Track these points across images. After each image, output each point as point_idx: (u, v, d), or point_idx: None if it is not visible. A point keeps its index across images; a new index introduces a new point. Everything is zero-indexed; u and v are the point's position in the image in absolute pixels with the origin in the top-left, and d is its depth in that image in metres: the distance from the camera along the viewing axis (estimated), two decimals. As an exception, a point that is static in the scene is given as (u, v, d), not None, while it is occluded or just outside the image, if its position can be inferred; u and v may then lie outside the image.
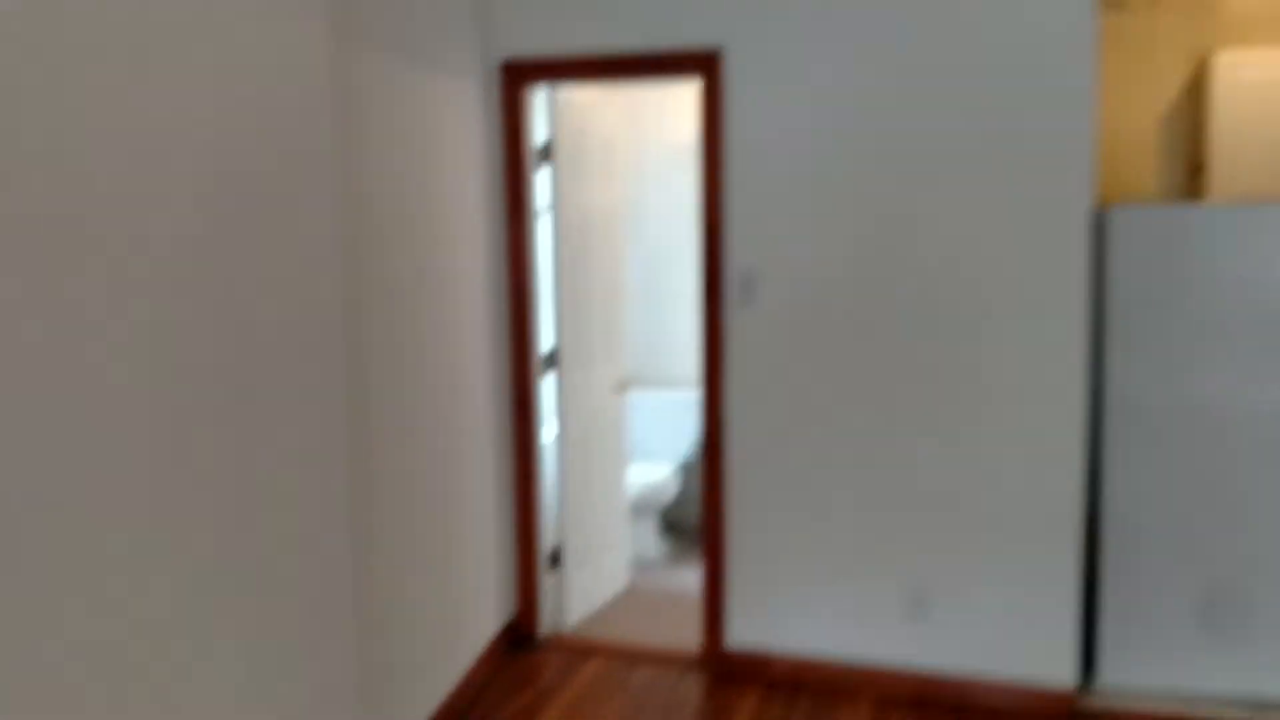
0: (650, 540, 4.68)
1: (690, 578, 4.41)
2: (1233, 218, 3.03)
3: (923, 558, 3.22)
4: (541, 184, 3.64)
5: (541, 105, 3.64)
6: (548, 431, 3.71)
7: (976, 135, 3.04)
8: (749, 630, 3.43)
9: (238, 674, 2.08)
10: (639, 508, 4.55)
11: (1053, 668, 3.14)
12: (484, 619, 3.47)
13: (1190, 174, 3.94)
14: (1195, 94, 3.90)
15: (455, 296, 3.26)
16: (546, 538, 3.70)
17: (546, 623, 3.70)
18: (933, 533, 3.20)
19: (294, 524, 2.29)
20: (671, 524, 5.07)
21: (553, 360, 3.70)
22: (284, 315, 2.24)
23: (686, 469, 5.06)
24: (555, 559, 3.75)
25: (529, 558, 3.62)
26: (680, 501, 5.03)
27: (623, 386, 4.15)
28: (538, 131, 3.61)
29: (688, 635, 3.71)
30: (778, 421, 3.32)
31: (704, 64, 3.26)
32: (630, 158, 5.07)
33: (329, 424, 2.43)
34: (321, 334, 2.41)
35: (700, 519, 5.02)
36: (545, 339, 3.68)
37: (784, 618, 3.39)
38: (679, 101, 5.02)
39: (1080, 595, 3.15)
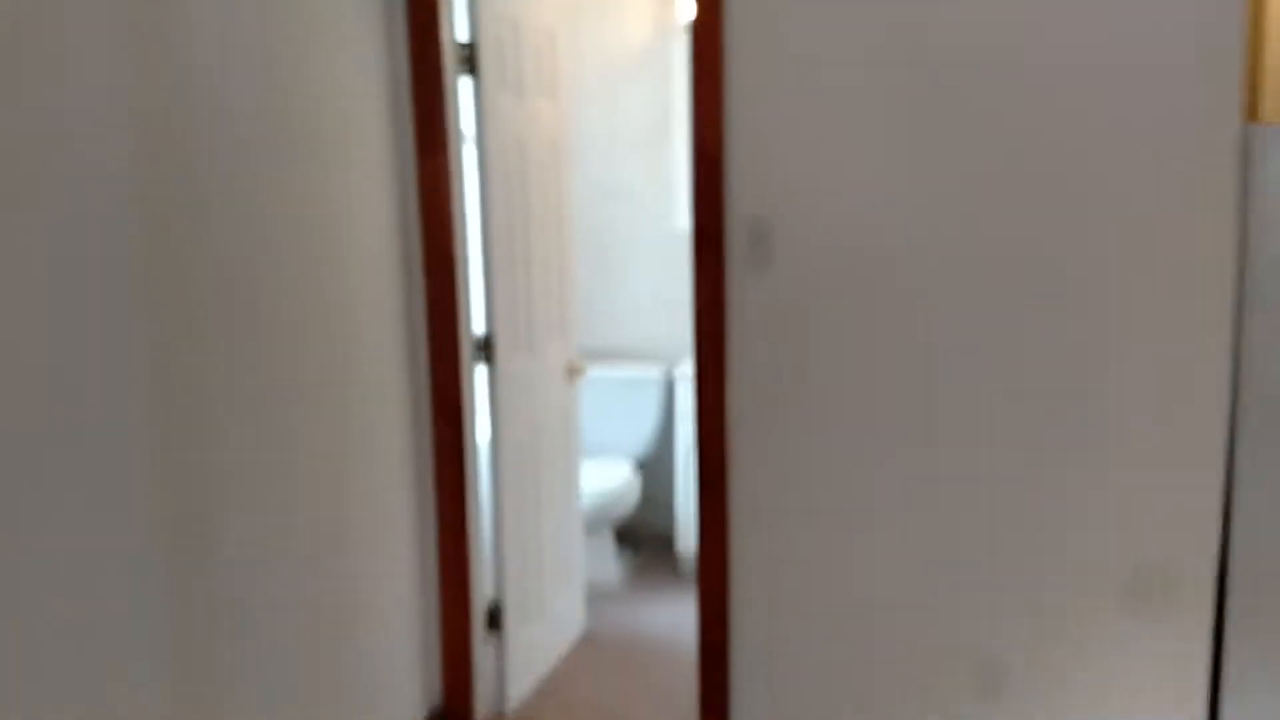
0: (607, 562, 3.86)
1: (662, 614, 3.61)
2: None
3: (1000, 616, 2.47)
4: (464, 100, 2.71)
5: (462, -13, 2.69)
6: (480, 438, 2.83)
7: (1093, 24, 2.23)
8: (763, 714, 2.65)
9: None
10: (593, 522, 3.72)
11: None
12: (399, 706, 2.62)
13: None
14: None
15: (346, 262, 2.33)
16: (481, 588, 2.84)
17: (485, 702, 2.86)
18: (1014, 583, 2.45)
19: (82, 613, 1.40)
20: (626, 534, 4.25)
21: (486, 345, 2.80)
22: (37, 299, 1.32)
23: (645, 466, 4.24)
24: (494, 617, 2.90)
25: (459, 619, 2.76)
26: (639, 507, 4.21)
27: (575, 371, 3.29)
28: (457, 25, 2.67)
29: (673, 702, 2.93)
30: (803, 431, 2.50)
31: (702, -76, 2.37)
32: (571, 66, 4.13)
33: (126, 468, 1.53)
34: (103, 326, 1.50)
35: (663, 527, 4.22)
36: (475, 316, 2.78)
37: (811, 696, 2.61)
38: (629, -3, 4.09)
39: (1211, 664, 2.45)
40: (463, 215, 2.67)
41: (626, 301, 4.25)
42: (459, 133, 2.66)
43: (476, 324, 2.77)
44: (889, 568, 2.50)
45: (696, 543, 2.61)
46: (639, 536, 4.24)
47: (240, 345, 1.93)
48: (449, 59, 2.59)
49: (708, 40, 2.39)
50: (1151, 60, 2.21)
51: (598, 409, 4.06)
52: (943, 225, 2.35)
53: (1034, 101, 2.27)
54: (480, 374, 2.80)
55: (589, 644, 3.37)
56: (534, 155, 2.98)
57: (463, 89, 2.69)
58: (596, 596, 3.71)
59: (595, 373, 4.01)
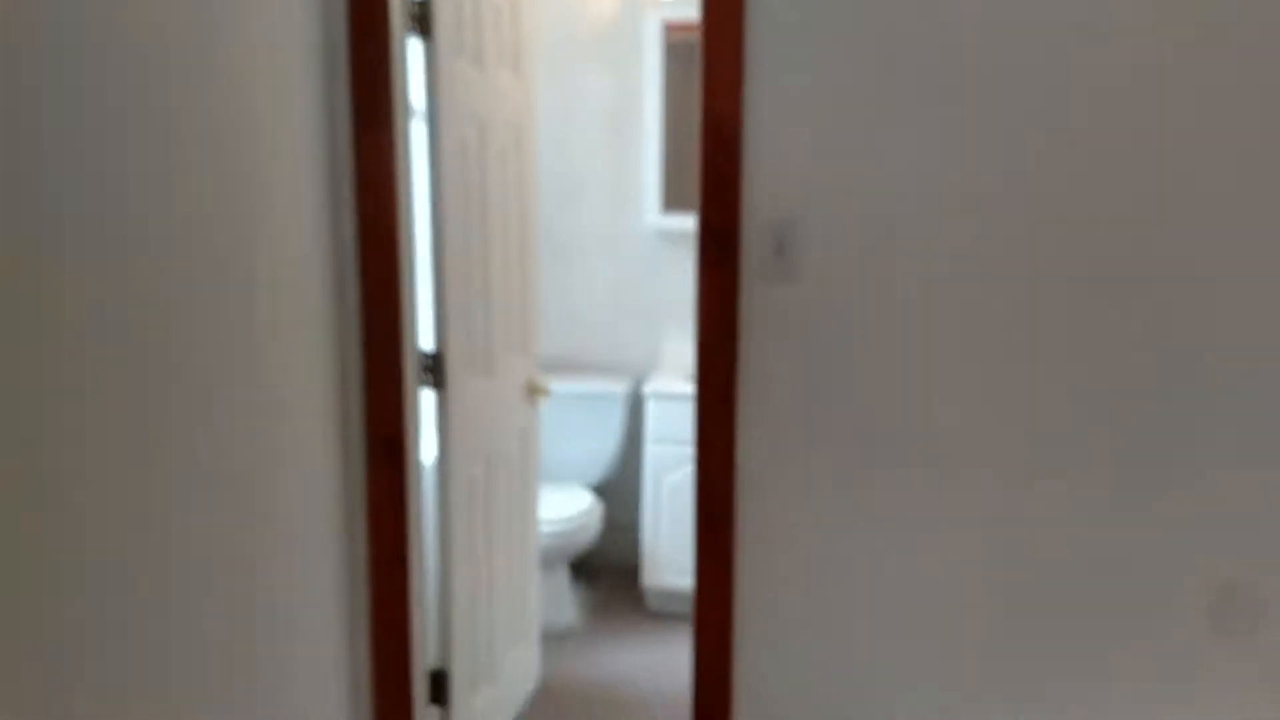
0: (563, 601, 3.43)
1: (626, 659, 3.19)
2: None
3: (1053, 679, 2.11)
4: (413, 69, 2.24)
5: (413, -69, 2.23)
6: (424, 473, 2.38)
7: None
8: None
9: None
10: (548, 557, 3.29)
11: None
12: (322, 804, 2.16)
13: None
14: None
15: (260, 261, 1.86)
16: (423, 653, 2.39)
17: (425, 787, 2.41)
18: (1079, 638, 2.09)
19: None
20: (583, 565, 3.82)
21: (435, 364, 2.35)
22: None
23: (603, 490, 3.82)
24: (438, 686, 2.45)
25: (396, 692, 2.30)
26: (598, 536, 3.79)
27: (537, 392, 2.84)
28: (407, -24, 2.20)
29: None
30: (831, 472, 2.10)
31: None
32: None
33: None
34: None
35: (625, 558, 3.80)
36: (421, 329, 2.32)
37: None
38: (597, -36, 3.64)
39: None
40: (409, 206, 2.21)
41: (585, 307, 3.81)
42: (406, 106, 2.20)
43: (423, 339, 2.31)
44: (936, 645, 2.11)
45: (694, 594, 2.19)
46: (596, 568, 3.81)
47: (118, 358, 1.46)
48: (396, 15, 2.12)
49: None
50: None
51: (552, 427, 3.62)
52: (1013, 230, 1.96)
53: (1127, 70, 1.89)
54: (426, 398, 2.35)
55: (546, 698, 2.94)
56: (495, 137, 2.53)
57: (411, 53, 2.23)
58: (551, 639, 3.28)
59: (550, 387, 3.57)
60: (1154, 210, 1.89)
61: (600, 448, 3.66)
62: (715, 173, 2.02)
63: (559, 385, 3.56)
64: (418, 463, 2.27)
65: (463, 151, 2.36)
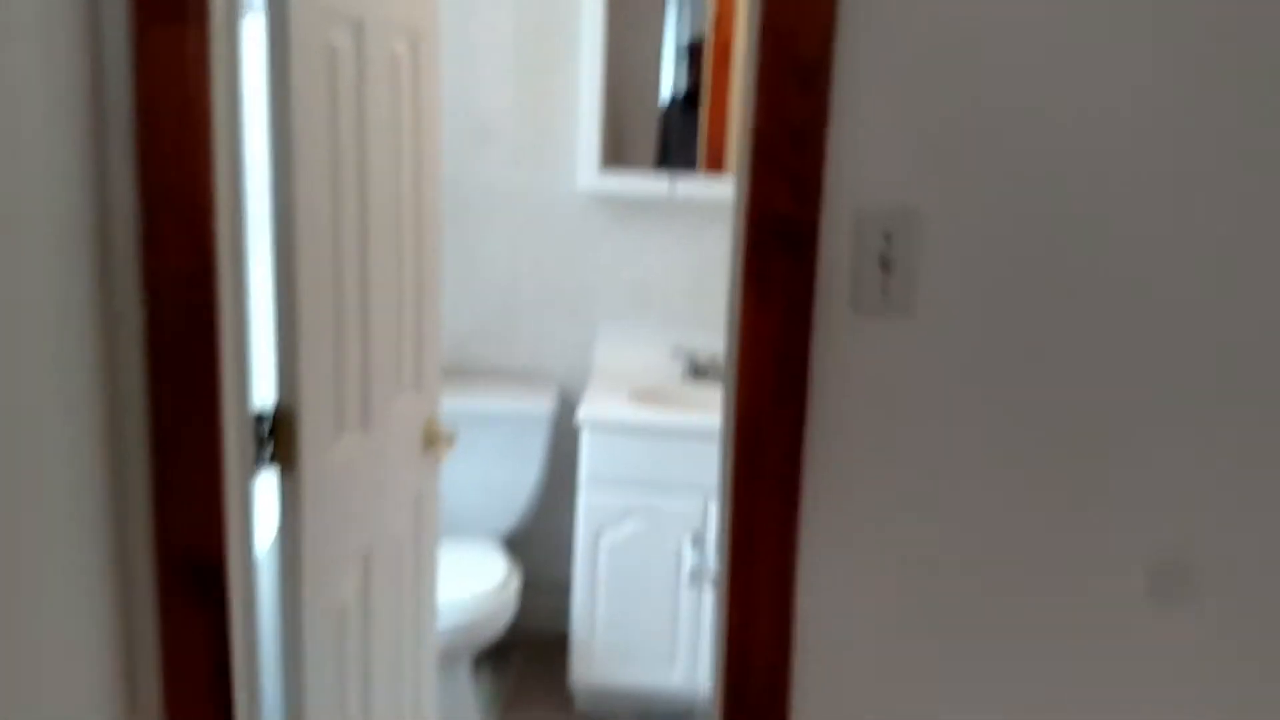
0: (462, 705, 2.59)
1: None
2: None
3: None
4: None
5: None
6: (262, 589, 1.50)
7: None
8: None
9: None
10: (447, 654, 2.44)
11: None
12: None
13: None
14: None
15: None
16: None
17: None
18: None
19: None
20: (483, 654, 2.98)
21: (279, 430, 1.46)
22: None
23: (518, 542, 2.98)
24: None
25: None
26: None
27: (438, 441, 1.98)
28: None
29: None
30: (968, 669, 1.32)
31: None
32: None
33: None
34: None
35: (547, 631, 2.98)
36: (253, 376, 1.42)
37: None
38: None
39: None
40: (234, 154, 1.31)
41: (492, 293, 2.95)
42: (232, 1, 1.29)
43: (259, 392, 1.42)
44: None
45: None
46: (508, 645, 2.97)
47: None
48: None
49: None
50: None
51: (448, 459, 2.75)
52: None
53: None
54: (265, 481, 1.46)
55: None
56: (380, 46, 1.63)
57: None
58: (449, 767, 2.45)
59: (445, 404, 2.68)
60: None
61: (514, 484, 2.82)
62: (781, 125, 1.20)
63: (457, 402, 2.69)
64: (249, 597, 1.39)
65: (328, 66, 1.46)
